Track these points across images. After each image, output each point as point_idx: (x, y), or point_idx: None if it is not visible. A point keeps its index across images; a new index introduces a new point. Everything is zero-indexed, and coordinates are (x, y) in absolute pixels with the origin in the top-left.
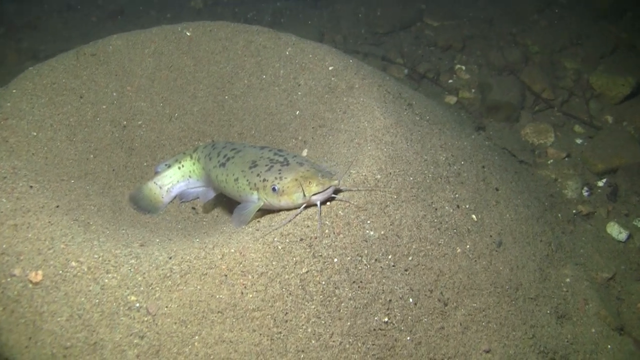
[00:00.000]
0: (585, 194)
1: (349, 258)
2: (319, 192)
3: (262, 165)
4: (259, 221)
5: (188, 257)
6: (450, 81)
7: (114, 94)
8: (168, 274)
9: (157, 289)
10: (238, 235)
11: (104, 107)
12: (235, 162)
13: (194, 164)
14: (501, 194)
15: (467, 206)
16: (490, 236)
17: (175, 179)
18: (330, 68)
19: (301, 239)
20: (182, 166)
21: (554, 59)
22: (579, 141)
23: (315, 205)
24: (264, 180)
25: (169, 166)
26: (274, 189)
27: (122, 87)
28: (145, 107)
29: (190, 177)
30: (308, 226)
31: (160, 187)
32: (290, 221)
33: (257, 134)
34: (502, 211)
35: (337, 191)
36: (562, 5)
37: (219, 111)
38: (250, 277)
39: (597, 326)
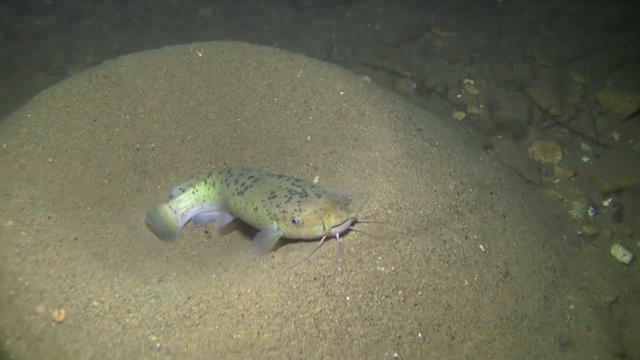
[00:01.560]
0: (591, 214)
1: (360, 295)
2: (337, 225)
3: (281, 196)
4: (273, 256)
5: (206, 297)
6: (459, 96)
7: (127, 116)
8: (187, 315)
9: (177, 329)
10: (254, 272)
11: (117, 130)
12: (254, 191)
13: (208, 189)
14: (508, 220)
15: (475, 236)
16: (497, 266)
17: (189, 204)
18: (342, 93)
19: (315, 278)
20: (197, 191)
21: (561, 72)
22: (585, 159)
23: (334, 237)
24: (284, 212)
25: (183, 190)
26: (293, 221)
27: (135, 110)
28: (157, 129)
29: (204, 201)
30: (322, 265)
31: (175, 212)
32: (305, 259)
33: (269, 158)
34: (509, 239)
35: (353, 223)
36: (571, 16)
37: (231, 134)
38: (266, 317)
39: (598, 353)
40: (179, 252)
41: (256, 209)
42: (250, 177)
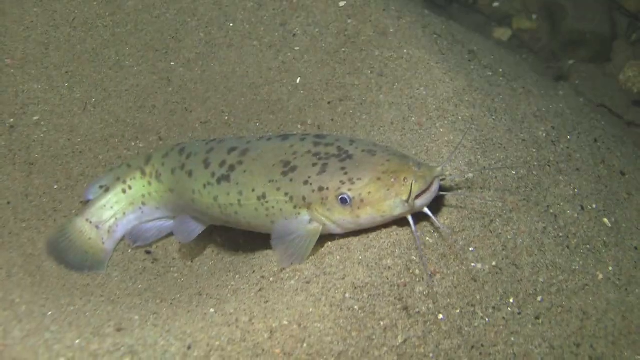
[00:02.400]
0: None
1: (457, 311)
2: (422, 192)
3: (305, 165)
4: (298, 269)
5: (217, 343)
6: (496, 4)
7: None
8: None
9: None
10: (279, 294)
11: None
12: (250, 168)
13: (149, 183)
14: (630, 179)
15: (594, 205)
16: (635, 248)
17: (119, 210)
18: (342, 4)
19: (385, 291)
20: (130, 187)
21: None
22: None
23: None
24: (320, 188)
25: (107, 189)
26: (343, 200)
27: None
28: (40, 91)
29: (144, 204)
30: (389, 267)
31: (97, 227)
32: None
33: (235, 121)
34: (639, 205)
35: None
36: None
37: (164, 88)
38: None
39: None
40: (116, 288)
41: (263, 196)
42: (232, 148)
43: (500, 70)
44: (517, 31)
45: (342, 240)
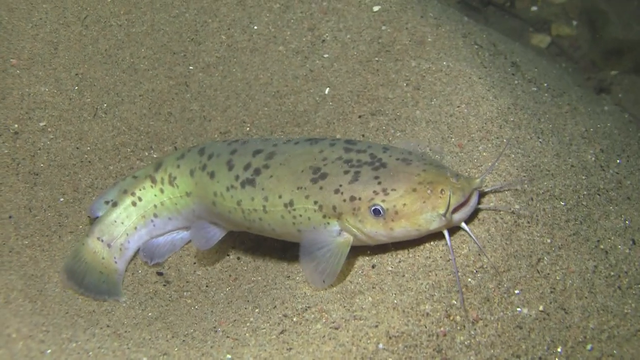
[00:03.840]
0: None
1: None
2: (460, 204)
3: (336, 172)
4: (324, 309)
5: None
6: (534, 8)
7: None
8: None
9: None
10: (303, 339)
11: None
12: (277, 173)
13: (161, 190)
14: None
15: None
16: None
17: (130, 225)
18: (376, 9)
19: (422, 341)
20: (139, 199)
21: None
22: None
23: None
24: (352, 198)
25: (115, 204)
26: (376, 212)
27: (3, 61)
28: (47, 94)
29: (155, 215)
30: (427, 313)
31: (109, 245)
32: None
33: (257, 133)
34: None
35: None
36: None
37: (181, 94)
38: None
39: None
40: (124, 316)
41: (290, 204)
42: (257, 151)
43: (545, 84)
44: (556, 38)
45: (374, 278)
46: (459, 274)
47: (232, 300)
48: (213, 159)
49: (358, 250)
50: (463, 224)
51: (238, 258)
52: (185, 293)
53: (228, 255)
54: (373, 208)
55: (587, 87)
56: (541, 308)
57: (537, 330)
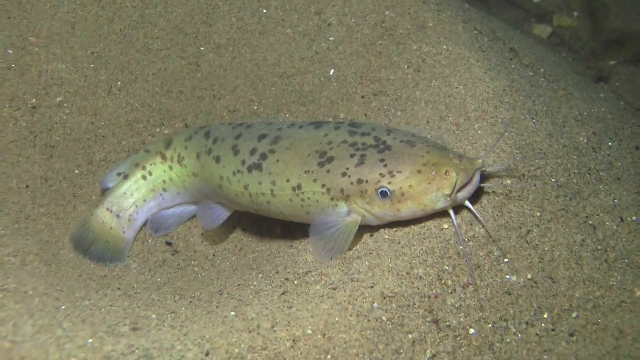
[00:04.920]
0: None
1: (490, 326)
2: (464, 186)
3: (342, 156)
4: (324, 272)
5: (237, 351)
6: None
7: (10, 51)
8: None
9: None
10: (304, 299)
11: None
12: (284, 158)
13: (170, 167)
14: None
15: (635, 218)
16: None
17: (140, 197)
18: None
19: (415, 301)
20: (150, 173)
21: None
22: None
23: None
24: (360, 181)
25: (126, 176)
26: (383, 194)
27: (22, 39)
28: (64, 71)
29: (165, 190)
30: (420, 277)
31: (118, 216)
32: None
33: (264, 111)
34: None
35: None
36: None
37: (192, 74)
38: None
39: None
40: (134, 280)
41: (299, 187)
42: (262, 135)
43: (542, 70)
44: (557, 29)
45: (371, 245)
46: (456, 244)
47: (237, 268)
48: (218, 143)
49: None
50: (467, 203)
51: (244, 230)
52: (192, 262)
53: (234, 227)
54: (380, 190)
55: (586, 76)
56: (529, 276)
57: (525, 297)
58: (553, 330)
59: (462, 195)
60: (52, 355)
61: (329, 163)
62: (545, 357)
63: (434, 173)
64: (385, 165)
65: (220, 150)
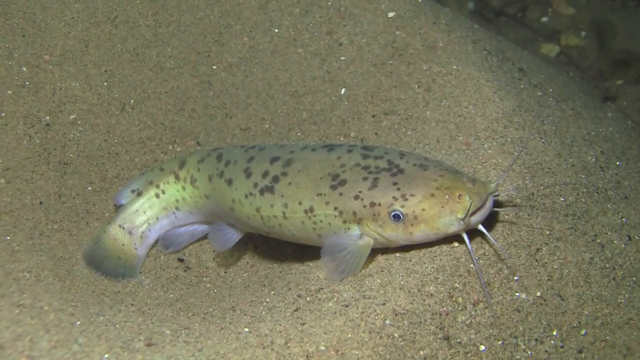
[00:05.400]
0: None
1: (500, 342)
2: (478, 209)
3: (355, 179)
4: (335, 290)
5: None
6: (545, 19)
7: (24, 68)
8: None
9: None
10: (316, 316)
11: (10, 92)
12: (296, 180)
13: (183, 188)
14: None
15: None
16: None
17: (152, 215)
18: (391, 15)
19: (426, 318)
20: (163, 192)
21: None
22: None
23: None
24: (372, 204)
25: (140, 193)
26: (396, 217)
27: (37, 57)
28: (77, 89)
29: (177, 209)
30: (431, 294)
31: (130, 232)
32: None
33: (275, 130)
34: None
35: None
36: None
37: (205, 92)
38: None
39: None
40: (147, 296)
41: (310, 210)
42: (274, 158)
43: (550, 90)
44: (565, 48)
45: (382, 262)
46: (466, 261)
47: (249, 285)
48: (230, 166)
49: None
50: (480, 226)
51: (255, 247)
52: (204, 278)
53: (245, 244)
54: (393, 213)
55: (593, 95)
56: (538, 294)
57: (534, 314)
58: (562, 346)
59: (475, 219)
60: None
61: (341, 186)
62: None
63: (447, 196)
64: (398, 189)
65: (232, 173)
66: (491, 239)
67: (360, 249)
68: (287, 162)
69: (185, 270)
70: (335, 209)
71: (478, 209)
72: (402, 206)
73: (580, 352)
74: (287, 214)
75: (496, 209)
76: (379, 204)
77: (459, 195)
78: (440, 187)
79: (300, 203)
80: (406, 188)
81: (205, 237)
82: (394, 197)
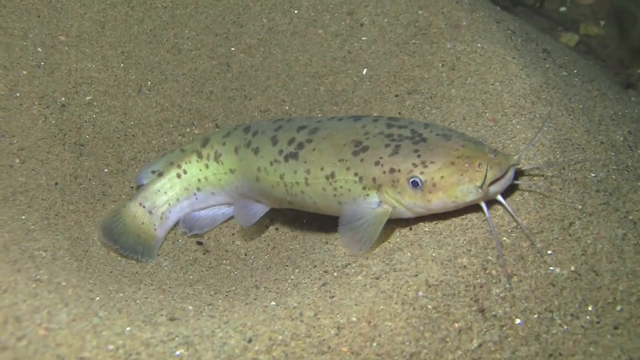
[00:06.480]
0: None
1: (535, 316)
2: (497, 179)
3: (377, 145)
4: (363, 264)
5: (280, 337)
6: (563, 9)
7: (39, 49)
8: None
9: None
10: (346, 289)
11: (25, 72)
12: (320, 147)
13: (206, 166)
14: None
15: None
16: None
17: (173, 195)
18: None
19: (460, 290)
20: (185, 172)
21: None
22: None
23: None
24: (392, 170)
25: (161, 173)
26: (414, 183)
27: (52, 37)
28: (94, 70)
29: (199, 189)
30: (464, 266)
31: (150, 212)
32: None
33: (296, 111)
34: None
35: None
36: None
37: (223, 74)
38: None
39: None
40: (166, 277)
41: (332, 175)
42: (301, 127)
43: (575, 71)
44: (584, 37)
45: (411, 237)
46: (499, 234)
47: (271, 266)
48: (258, 135)
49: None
50: (500, 197)
51: (276, 229)
52: (224, 261)
53: (266, 227)
54: (412, 180)
55: (614, 82)
56: (573, 268)
57: (569, 289)
58: (597, 322)
59: (493, 189)
60: (88, 341)
61: (363, 152)
62: (591, 348)
63: (466, 165)
64: (419, 156)
65: (260, 142)
66: (510, 209)
67: (378, 217)
68: (313, 130)
69: (204, 253)
70: (356, 174)
71: (498, 180)
72: (422, 173)
73: (616, 328)
74: (309, 180)
75: (517, 182)
76: (399, 170)
77: (479, 164)
78: (461, 156)
79: (322, 169)
80: (427, 155)
81: (225, 221)
82: (413, 164)
